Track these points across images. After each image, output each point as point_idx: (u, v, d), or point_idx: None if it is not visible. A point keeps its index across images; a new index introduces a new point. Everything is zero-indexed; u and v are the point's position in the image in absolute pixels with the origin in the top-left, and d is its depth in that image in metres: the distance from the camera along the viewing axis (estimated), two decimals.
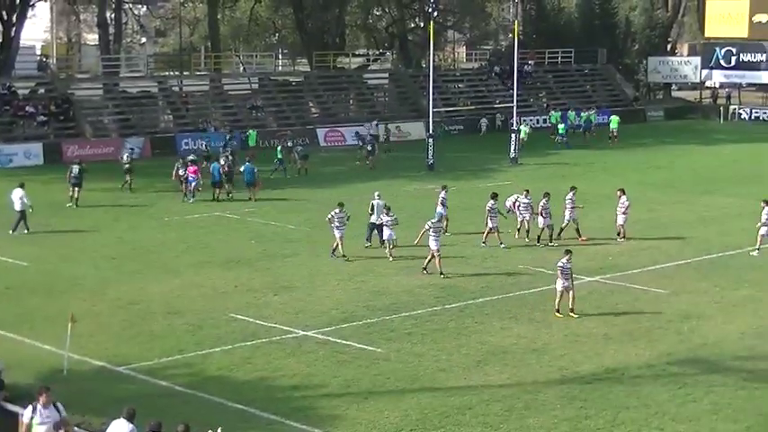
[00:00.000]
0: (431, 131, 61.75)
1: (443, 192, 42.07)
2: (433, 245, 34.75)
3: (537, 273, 35.17)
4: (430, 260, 34.71)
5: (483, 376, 25.24)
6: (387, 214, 37.44)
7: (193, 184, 48.80)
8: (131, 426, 18.28)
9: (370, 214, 38.90)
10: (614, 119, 75.08)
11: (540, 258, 36.98)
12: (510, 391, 24.21)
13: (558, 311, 29.92)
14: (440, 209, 40.86)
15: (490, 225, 38.91)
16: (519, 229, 39.89)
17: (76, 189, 47.35)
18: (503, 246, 38.56)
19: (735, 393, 24.11)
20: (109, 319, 29.72)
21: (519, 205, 39.79)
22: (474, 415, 22.72)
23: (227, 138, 63.42)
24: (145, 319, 29.76)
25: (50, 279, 34.38)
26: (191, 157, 51.80)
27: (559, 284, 30.06)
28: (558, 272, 30.19)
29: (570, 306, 29.96)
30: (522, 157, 62.60)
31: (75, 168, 47.91)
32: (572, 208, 39.99)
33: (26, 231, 41.30)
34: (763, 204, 38.29)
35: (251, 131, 67.86)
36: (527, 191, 40.29)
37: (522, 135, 67.03)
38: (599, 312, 30.60)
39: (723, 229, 42.11)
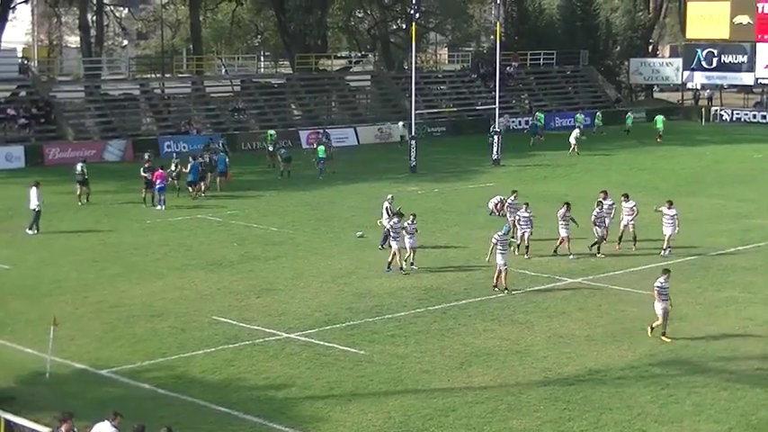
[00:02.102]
0: (413, 133, 61.75)
1: (512, 197, 40.64)
2: (499, 259, 32.88)
3: (519, 275, 35.18)
4: (498, 276, 32.97)
5: (466, 378, 25.26)
6: (412, 222, 35.78)
7: (161, 193, 47.70)
8: (114, 429, 18.24)
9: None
10: (659, 118, 76.17)
11: (522, 261, 36.99)
12: (493, 392, 24.23)
13: (652, 329, 28.36)
14: (510, 216, 39.52)
15: (563, 234, 37.45)
16: (519, 246, 37.83)
17: (83, 187, 48.96)
18: (572, 257, 37.26)
19: (717, 394, 24.18)
20: (91, 322, 29.64)
21: (519, 219, 37.82)
22: (457, 417, 22.74)
23: (210, 141, 63.57)
24: (127, 322, 29.68)
25: (32, 282, 34.26)
26: (179, 162, 51.80)
27: (659, 308, 28.10)
28: (656, 293, 28.26)
29: (662, 330, 28.27)
30: (504, 159, 62.62)
31: (79, 166, 49.47)
32: (630, 215, 38.68)
33: (35, 231, 41.67)
34: (666, 205, 38.26)
35: (270, 131, 67.72)
36: (527, 204, 38.56)
37: (573, 138, 68.13)
38: (582, 314, 30.65)
39: (705, 230, 42.21)
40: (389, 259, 35.57)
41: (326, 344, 27.70)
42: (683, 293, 32.82)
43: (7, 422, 19.62)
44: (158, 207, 47.47)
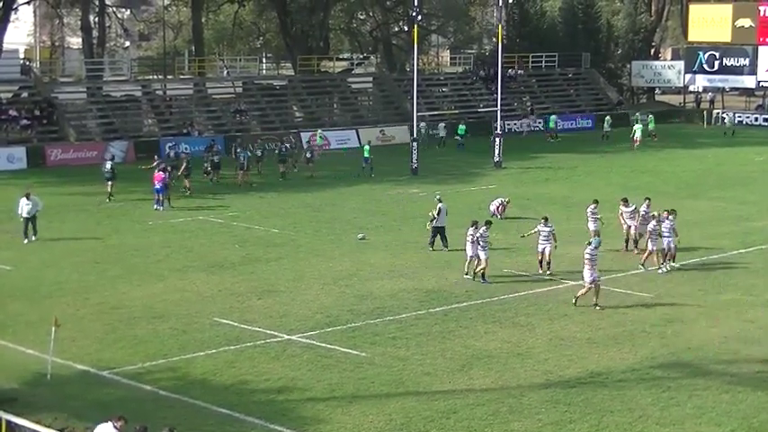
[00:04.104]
0: (415, 135, 61.76)
1: (593, 206, 39.65)
2: (587, 276, 31.63)
3: (521, 277, 35.18)
4: (585, 293, 31.65)
5: (467, 380, 25.24)
6: (481, 229, 34.88)
7: (160, 194, 47.74)
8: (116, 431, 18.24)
9: (434, 218, 38.75)
10: (651, 119, 77.50)
11: (524, 263, 36.95)
12: (494, 395, 24.21)
13: None
14: (592, 225, 38.65)
15: (650, 247, 36.11)
16: (541, 261, 35.77)
17: (110, 183, 49.92)
18: (660, 270, 36.00)
19: (718, 397, 24.16)
20: (92, 324, 29.64)
21: (539, 234, 35.99)
22: (458, 419, 22.72)
23: (212, 143, 63.65)
24: (128, 324, 29.67)
25: (33, 284, 34.26)
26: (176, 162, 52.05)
27: None
28: None
29: None
30: (505, 161, 62.57)
31: (108, 164, 50.67)
32: (632, 218, 38.30)
33: (33, 238, 41.31)
34: (666, 213, 37.09)
35: (319, 131, 68.84)
36: (545, 218, 36.39)
37: (637, 134, 70.87)
38: (583, 316, 30.63)
39: (707, 232, 42.16)
40: (477, 269, 34.74)
41: (328, 346, 27.69)
42: (684, 296, 32.86)
43: (8, 423, 19.62)
44: (156, 207, 47.50)
